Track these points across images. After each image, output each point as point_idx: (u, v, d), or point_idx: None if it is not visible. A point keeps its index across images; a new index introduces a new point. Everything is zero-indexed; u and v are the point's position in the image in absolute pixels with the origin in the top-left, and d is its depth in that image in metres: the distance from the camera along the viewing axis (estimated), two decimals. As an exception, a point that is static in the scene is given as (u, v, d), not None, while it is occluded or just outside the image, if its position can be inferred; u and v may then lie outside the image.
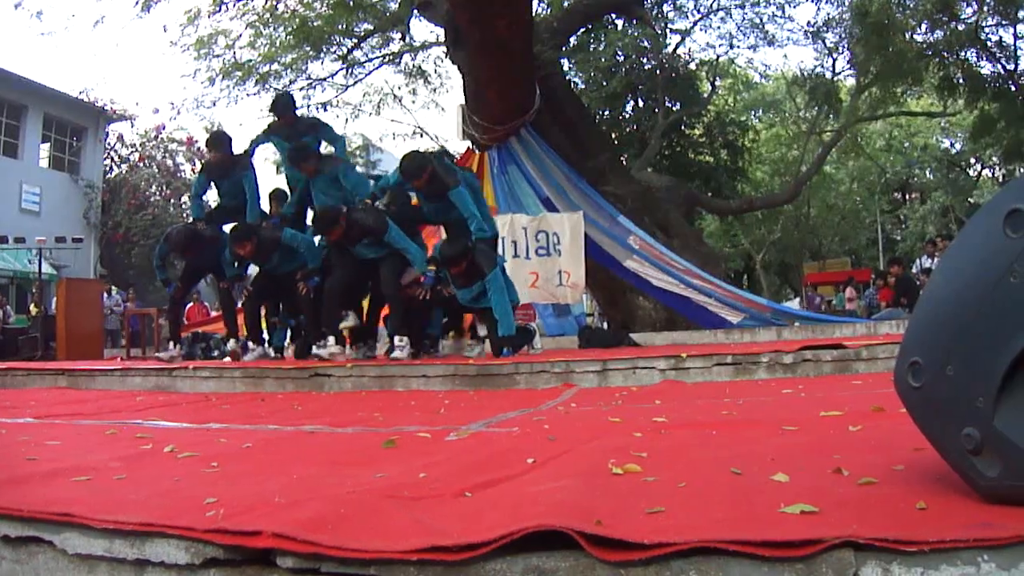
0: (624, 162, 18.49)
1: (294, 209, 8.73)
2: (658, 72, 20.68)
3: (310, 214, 8.64)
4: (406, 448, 2.68)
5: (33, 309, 18.67)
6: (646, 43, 19.66)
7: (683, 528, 1.33)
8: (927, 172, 38.76)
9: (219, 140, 8.98)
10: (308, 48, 17.46)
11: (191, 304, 17.06)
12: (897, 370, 1.55)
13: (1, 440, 3.33)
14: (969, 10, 17.61)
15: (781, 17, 20.84)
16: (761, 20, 20.70)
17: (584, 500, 1.60)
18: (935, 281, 1.52)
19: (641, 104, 23.20)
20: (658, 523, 1.40)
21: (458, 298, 7.83)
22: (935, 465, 1.58)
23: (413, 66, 20.63)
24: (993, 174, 36.05)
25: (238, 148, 8.96)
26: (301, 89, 18.89)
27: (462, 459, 2.36)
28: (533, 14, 13.67)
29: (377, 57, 19.21)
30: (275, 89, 18.16)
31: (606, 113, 22.30)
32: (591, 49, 20.46)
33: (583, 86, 21.11)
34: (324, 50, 17.89)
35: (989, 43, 18.15)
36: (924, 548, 1.19)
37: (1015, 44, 18.13)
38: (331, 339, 7.60)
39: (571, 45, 19.14)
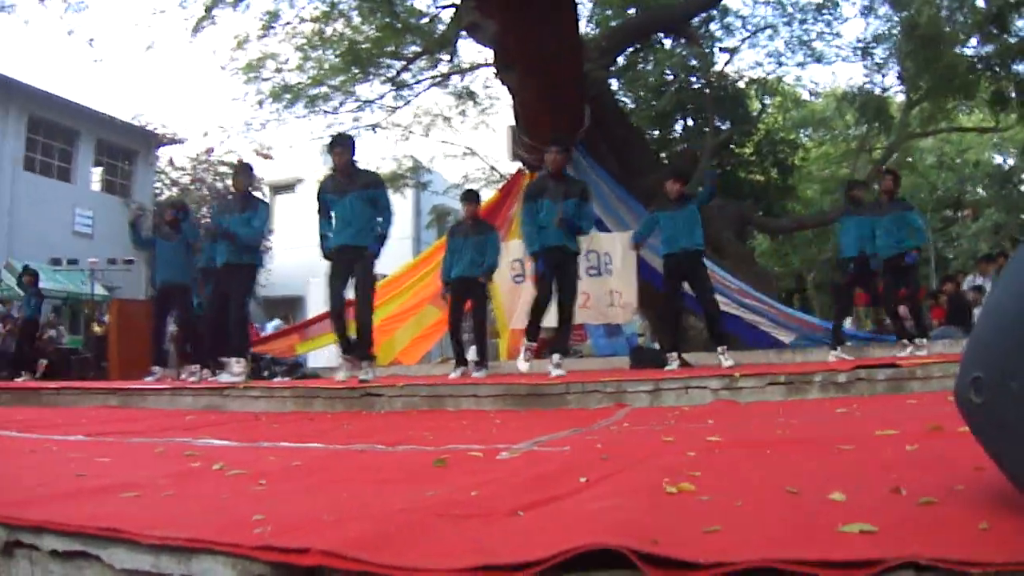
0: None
1: None
2: (707, 91, 20.55)
3: None
4: (457, 467, 2.67)
5: (97, 328, 18.75)
6: (694, 62, 19.59)
7: (740, 547, 1.31)
8: (979, 189, 38.22)
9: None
10: (356, 70, 17.52)
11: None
12: (958, 385, 1.52)
13: (52, 457, 3.37)
14: (1021, 23, 17.34)
15: (829, 34, 20.64)
16: (809, 37, 20.55)
17: (639, 519, 1.58)
18: (996, 295, 1.49)
19: (690, 123, 23.11)
20: (715, 542, 1.38)
21: None
22: (997, 485, 1.55)
23: (462, 87, 20.69)
24: (1047, 190, 35.47)
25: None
26: (350, 111, 19.03)
27: (514, 478, 2.34)
28: (581, 34, 13.66)
29: (426, 79, 19.23)
30: (324, 111, 18.32)
31: (656, 133, 22.21)
32: (639, 68, 20.43)
33: (632, 105, 21.03)
34: (372, 72, 17.97)
35: (1042, 56, 17.85)
36: (989, 570, 1.16)
37: (1067, 57, 17.80)
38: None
39: (619, 65, 19.10)
